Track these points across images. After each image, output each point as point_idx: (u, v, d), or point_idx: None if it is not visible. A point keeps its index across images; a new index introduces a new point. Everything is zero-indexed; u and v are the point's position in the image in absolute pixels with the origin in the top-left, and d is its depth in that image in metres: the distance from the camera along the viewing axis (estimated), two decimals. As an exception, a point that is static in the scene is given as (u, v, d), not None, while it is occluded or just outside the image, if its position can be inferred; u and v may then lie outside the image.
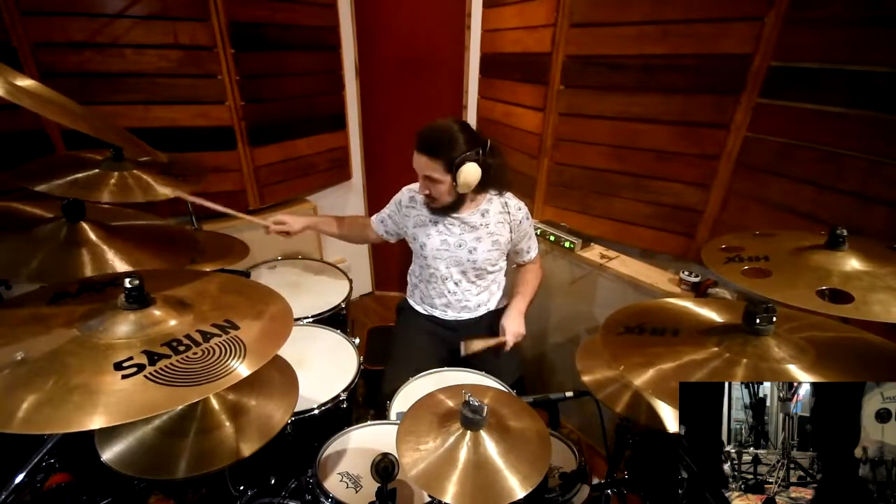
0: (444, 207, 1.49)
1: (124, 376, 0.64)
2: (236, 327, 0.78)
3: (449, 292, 1.61)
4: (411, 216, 1.60)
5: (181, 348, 0.71)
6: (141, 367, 0.66)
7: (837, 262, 0.90)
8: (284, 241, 2.31)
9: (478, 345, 1.46)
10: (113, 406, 0.60)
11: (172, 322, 0.77)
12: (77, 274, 0.97)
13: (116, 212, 1.29)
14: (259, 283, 0.97)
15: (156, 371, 0.66)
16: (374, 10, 2.39)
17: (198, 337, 0.75)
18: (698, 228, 1.59)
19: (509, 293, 1.73)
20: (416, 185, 1.61)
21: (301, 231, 1.71)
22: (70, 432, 0.82)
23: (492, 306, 1.68)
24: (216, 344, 0.73)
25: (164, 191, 1.22)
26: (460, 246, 1.54)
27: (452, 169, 1.37)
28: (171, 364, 0.68)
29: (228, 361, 0.70)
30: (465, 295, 1.62)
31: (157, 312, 0.77)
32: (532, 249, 1.67)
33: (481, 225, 1.53)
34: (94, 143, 1.10)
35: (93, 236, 1.06)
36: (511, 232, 1.56)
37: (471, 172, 1.37)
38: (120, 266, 1.02)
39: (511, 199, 1.57)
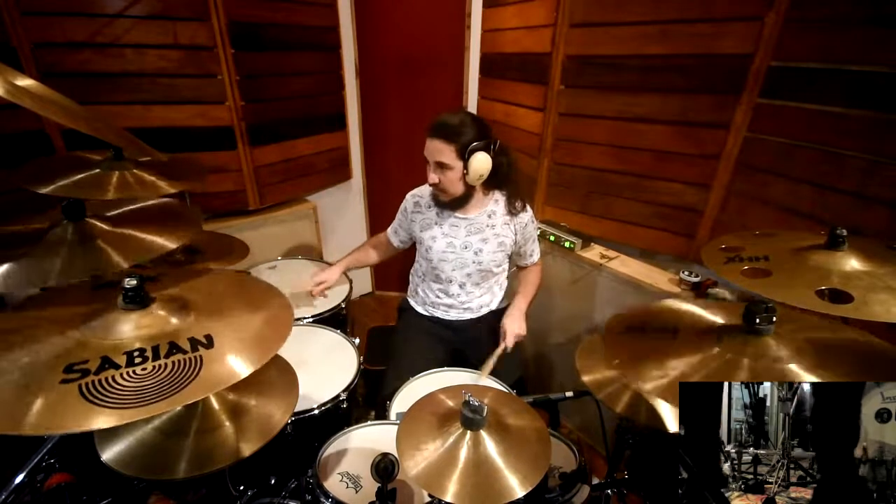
0: (452, 202, 1.48)
1: (63, 381, 0.64)
2: (210, 346, 0.74)
3: (453, 294, 1.61)
4: (417, 220, 1.60)
5: (137, 360, 0.69)
6: (86, 373, 0.65)
7: (837, 262, 0.90)
8: (285, 241, 2.34)
9: (489, 364, 1.40)
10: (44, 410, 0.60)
11: (147, 330, 0.76)
12: (105, 264, 0.96)
13: (109, 202, 1.27)
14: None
15: (93, 381, 0.64)
16: (374, 10, 2.39)
17: (163, 349, 0.72)
18: (698, 228, 1.59)
19: (510, 293, 1.73)
20: (419, 190, 1.62)
21: (338, 277, 1.76)
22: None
23: (493, 306, 1.68)
24: (173, 361, 0.70)
25: (166, 188, 1.22)
26: (466, 248, 1.54)
27: (465, 156, 1.36)
28: (110, 378, 0.66)
29: (167, 385, 0.66)
30: (469, 297, 1.62)
31: (144, 318, 0.77)
32: (535, 253, 1.67)
33: (487, 226, 1.53)
34: (94, 144, 1.10)
35: (104, 226, 1.05)
36: (516, 234, 1.56)
37: (482, 162, 1.37)
38: (141, 250, 1.01)
39: (518, 202, 1.55)
